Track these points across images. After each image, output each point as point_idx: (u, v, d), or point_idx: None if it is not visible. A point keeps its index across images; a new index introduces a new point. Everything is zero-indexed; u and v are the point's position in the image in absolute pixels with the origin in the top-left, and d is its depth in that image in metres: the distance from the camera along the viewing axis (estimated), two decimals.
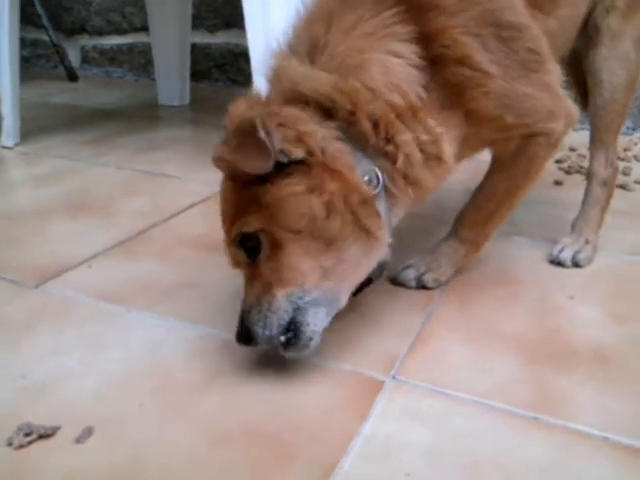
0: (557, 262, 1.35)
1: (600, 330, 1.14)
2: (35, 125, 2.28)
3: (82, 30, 3.24)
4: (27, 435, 0.86)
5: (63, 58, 3.02)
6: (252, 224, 0.95)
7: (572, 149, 2.12)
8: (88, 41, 3.25)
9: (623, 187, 1.79)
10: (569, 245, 1.37)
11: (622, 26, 1.29)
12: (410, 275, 1.26)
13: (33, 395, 0.95)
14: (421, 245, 1.42)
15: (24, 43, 3.13)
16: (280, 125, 0.92)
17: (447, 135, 1.02)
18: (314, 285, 0.95)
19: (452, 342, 1.10)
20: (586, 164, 1.96)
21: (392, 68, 0.97)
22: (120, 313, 1.16)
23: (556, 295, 1.25)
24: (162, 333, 1.11)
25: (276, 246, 0.95)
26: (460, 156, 1.14)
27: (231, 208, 0.99)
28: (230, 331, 1.10)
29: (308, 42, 0.99)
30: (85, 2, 3.18)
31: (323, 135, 0.95)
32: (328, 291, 0.96)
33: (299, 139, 0.92)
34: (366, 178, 0.98)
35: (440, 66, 0.99)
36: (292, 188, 0.93)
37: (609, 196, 1.44)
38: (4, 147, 2.07)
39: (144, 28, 2.98)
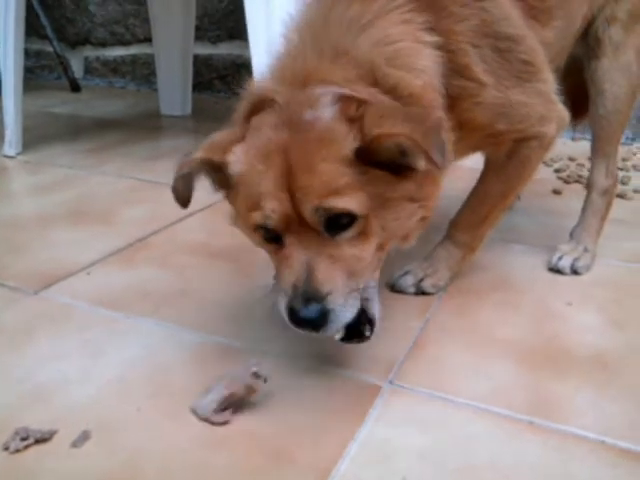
0: (556, 269, 1.36)
1: (598, 336, 1.14)
2: (37, 134, 2.30)
3: (86, 41, 3.28)
4: (24, 439, 0.86)
5: (66, 69, 3.05)
6: (360, 206, 0.86)
7: (571, 159, 2.13)
8: (91, 52, 3.28)
9: (622, 196, 1.79)
10: (568, 253, 1.37)
11: (624, 38, 1.30)
12: (408, 282, 1.26)
13: (31, 399, 0.95)
14: (417, 251, 1.42)
15: (28, 54, 3.16)
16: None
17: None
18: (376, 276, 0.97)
19: (450, 347, 1.10)
20: (585, 173, 1.97)
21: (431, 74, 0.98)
22: (119, 319, 1.17)
23: (554, 302, 1.25)
24: (161, 339, 1.11)
25: (365, 234, 0.89)
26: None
27: (329, 178, 0.85)
28: (228, 337, 1.11)
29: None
30: (89, 14, 3.21)
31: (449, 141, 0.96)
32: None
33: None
34: None
35: (444, 71, 1.00)
36: (409, 193, 0.91)
37: (609, 205, 1.44)
38: (6, 156, 2.08)
39: (147, 40, 3.01)
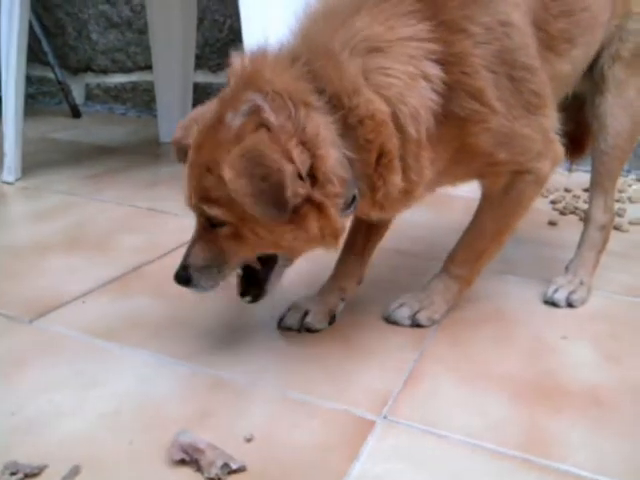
0: (551, 302, 1.36)
1: (593, 371, 1.13)
2: (37, 160, 2.31)
3: (87, 68, 3.31)
4: (13, 474, 0.85)
5: (67, 95, 3.08)
6: (219, 217, 0.99)
7: (567, 190, 2.14)
8: (93, 79, 3.32)
9: (617, 228, 1.80)
10: (564, 286, 1.37)
11: (627, 75, 1.32)
12: (404, 313, 1.26)
13: (22, 433, 0.94)
14: (413, 283, 1.42)
15: (30, 80, 3.19)
16: (299, 144, 0.91)
17: (429, 171, 1.03)
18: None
19: (444, 381, 1.09)
20: (581, 205, 1.99)
21: (419, 92, 0.97)
22: (112, 349, 1.16)
23: (549, 335, 1.25)
24: (154, 370, 1.10)
25: (239, 236, 1.01)
26: (445, 183, 1.17)
27: (208, 187, 0.97)
28: (220, 368, 1.10)
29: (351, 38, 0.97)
30: (91, 42, 3.26)
31: (339, 161, 0.95)
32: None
33: (313, 169, 0.93)
34: (346, 204, 1.00)
35: (453, 95, 1.00)
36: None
37: (605, 240, 1.45)
38: (5, 182, 2.09)
39: (148, 67, 3.04)
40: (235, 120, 0.95)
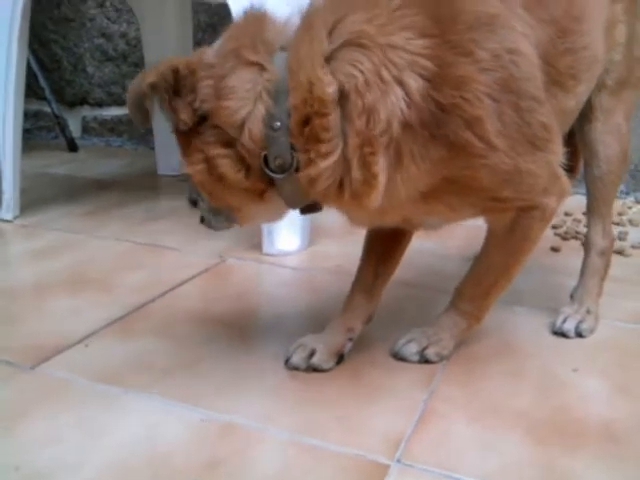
0: (560, 333, 1.35)
1: (607, 406, 1.12)
2: (35, 197, 2.31)
3: (83, 102, 3.33)
4: None
5: (64, 129, 3.08)
6: None
7: (567, 214, 2.14)
8: (89, 112, 3.33)
9: (620, 252, 1.80)
10: (571, 316, 1.37)
11: (613, 103, 1.33)
12: (412, 349, 1.24)
13: None
14: (420, 316, 1.41)
15: (27, 115, 3.18)
16: (210, 87, 0.97)
17: (384, 179, 0.99)
18: None
19: (457, 421, 1.08)
20: (582, 229, 1.98)
21: (385, 95, 0.94)
22: (117, 395, 1.14)
23: (560, 368, 1.24)
24: (161, 416, 1.08)
25: None
26: (447, 219, 1.15)
27: None
28: (230, 412, 1.08)
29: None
30: (87, 75, 3.27)
31: (250, 116, 0.97)
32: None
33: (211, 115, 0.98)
34: (277, 162, 0.98)
35: (448, 119, 0.96)
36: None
37: (607, 266, 1.45)
38: (3, 220, 2.08)
39: None
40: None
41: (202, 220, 1.19)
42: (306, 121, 0.95)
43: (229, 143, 0.99)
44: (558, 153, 1.10)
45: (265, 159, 0.99)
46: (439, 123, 0.97)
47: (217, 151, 1.00)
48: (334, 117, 0.94)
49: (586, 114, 1.35)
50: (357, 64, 0.94)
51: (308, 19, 0.99)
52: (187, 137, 1.01)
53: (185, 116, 0.98)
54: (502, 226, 1.15)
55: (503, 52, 0.99)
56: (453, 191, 1.05)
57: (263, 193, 1.04)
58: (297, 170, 0.99)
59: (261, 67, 0.97)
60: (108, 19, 3.14)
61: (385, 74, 0.94)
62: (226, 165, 1.00)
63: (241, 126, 0.97)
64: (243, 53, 0.98)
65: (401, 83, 0.95)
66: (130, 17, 3.06)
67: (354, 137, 0.95)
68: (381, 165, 0.97)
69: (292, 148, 0.97)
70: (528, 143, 1.03)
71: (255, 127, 0.97)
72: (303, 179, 1.00)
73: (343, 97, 0.94)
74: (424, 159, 0.99)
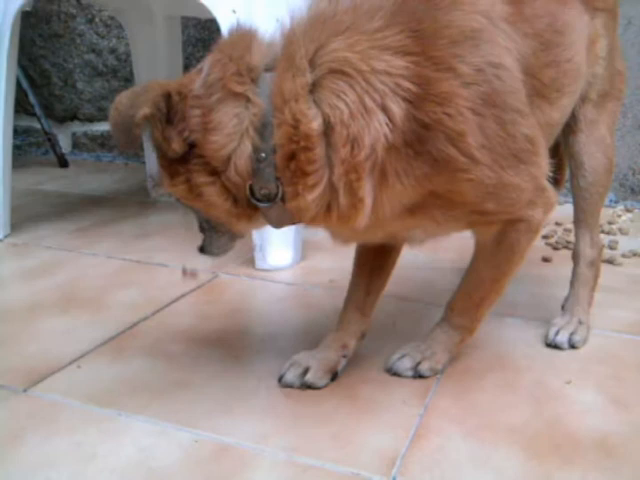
0: (554, 345, 1.35)
1: (601, 418, 1.12)
2: (25, 214, 2.30)
3: (73, 117, 3.32)
4: None
5: (54, 145, 3.07)
6: None
7: (558, 223, 2.15)
8: (79, 128, 3.33)
9: (611, 262, 1.81)
10: (564, 327, 1.37)
11: (596, 115, 1.35)
12: (406, 365, 1.24)
13: None
14: (412, 330, 1.41)
15: (17, 131, 3.18)
16: (198, 117, 0.96)
17: (370, 200, 0.99)
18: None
19: (452, 436, 1.07)
20: (573, 238, 1.99)
21: (369, 123, 0.94)
22: (111, 417, 1.13)
23: (553, 380, 1.24)
24: (154, 438, 1.07)
25: None
26: (432, 233, 1.15)
27: None
28: (223, 433, 1.08)
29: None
30: (77, 91, 3.27)
31: (237, 152, 0.97)
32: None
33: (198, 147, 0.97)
34: (262, 192, 0.99)
35: (431, 135, 0.96)
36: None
37: (597, 275, 1.46)
38: None
39: None
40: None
41: (202, 250, 1.17)
42: (291, 156, 0.96)
43: (214, 172, 0.99)
44: (543, 166, 1.10)
45: (251, 188, 0.99)
46: (422, 140, 0.97)
47: (203, 179, 0.99)
48: (319, 150, 0.95)
49: (571, 126, 1.36)
50: (341, 94, 0.94)
51: (289, 47, 0.97)
52: (171, 161, 1.00)
53: (177, 145, 0.97)
54: (489, 239, 1.16)
55: (486, 66, 1.00)
56: (437, 205, 1.05)
57: (250, 217, 1.04)
58: (283, 199, 1.00)
59: (247, 99, 0.96)
60: (97, 35, 3.15)
61: (368, 102, 0.94)
62: (212, 193, 1.00)
63: (227, 160, 0.97)
64: (229, 84, 0.96)
65: (384, 109, 0.95)
66: (119, 32, 3.07)
67: (339, 165, 0.96)
68: (367, 189, 0.98)
69: (277, 179, 0.98)
70: (512, 156, 1.04)
71: (241, 162, 0.97)
72: (291, 209, 1.01)
73: (328, 128, 0.95)
74: (409, 176, 1.00)
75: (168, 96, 0.96)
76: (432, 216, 1.08)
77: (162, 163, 1.03)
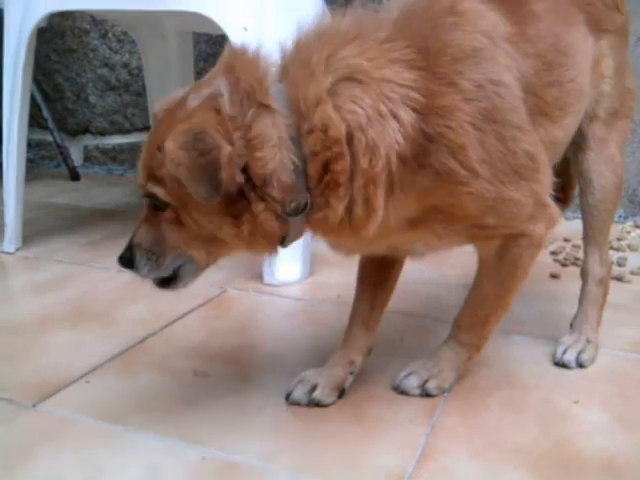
0: (561, 364, 1.35)
1: (609, 438, 1.12)
2: (37, 227, 2.32)
3: (86, 131, 3.36)
4: None
5: (66, 158, 3.11)
6: (161, 196, 1.00)
7: (566, 240, 2.15)
8: (91, 141, 3.36)
9: (619, 279, 1.80)
10: (572, 346, 1.37)
11: (606, 133, 1.35)
12: (413, 383, 1.24)
13: None
14: (419, 347, 1.42)
15: (30, 145, 3.22)
16: (242, 139, 0.93)
17: (381, 213, 1.00)
18: (197, 257, 1.07)
19: (459, 456, 1.07)
20: (581, 255, 1.98)
21: (384, 130, 0.96)
22: (119, 434, 1.14)
23: (561, 399, 1.24)
24: (162, 455, 1.08)
25: (179, 221, 1.02)
26: (433, 247, 1.16)
27: (148, 162, 1.00)
28: (230, 451, 1.08)
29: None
30: (89, 105, 3.31)
31: (282, 164, 0.95)
32: (202, 260, 1.08)
33: (249, 168, 0.94)
34: (292, 205, 0.98)
35: (433, 148, 0.99)
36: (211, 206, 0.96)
37: (605, 293, 1.45)
38: (5, 252, 2.09)
39: (146, 128, 3.09)
40: (194, 101, 0.98)
41: (169, 283, 1.11)
42: (325, 165, 0.96)
43: (262, 197, 0.96)
44: (545, 182, 1.12)
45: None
46: (426, 153, 0.99)
47: (259, 207, 0.96)
48: (348, 158, 0.96)
49: (579, 144, 1.37)
50: (358, 100, 0.96)
51: (301, 54, 0.99)
52: (230, 202, 0.96)
53: (238, 177, 0.94)
54: (491, 254, 1.16)
55: (487, 83, 1.03)
56: (439, 220, 1.07)
57: (283, 237, 1.03)
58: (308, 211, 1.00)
59: (275, 110, 0.96)
60: (110, 49, 3.19)
61: (383, 108, 0.96)
62: (268, 218, 0.97)
63: (271, 176, 0.95)
64: (258, 98, 0.95)
65: (396, 117, 0.97)
66: (132, 47, 3.11)
67: (360, 177, 0.97)
68: (381, 199, 1.00)
69: (308, 190, 0.98)
70: (513, 172, 1.05)
71: (284, 175, 0.95)
72: (315, 219, 1.01)
73: (348, 135, 0.96)
74: (412, 188, 1.02)
75: (216, 128, 0.93)
76: (433, 230, 1.09)
77: (221, 210, 0.97)
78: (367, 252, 1.22)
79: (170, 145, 0.93)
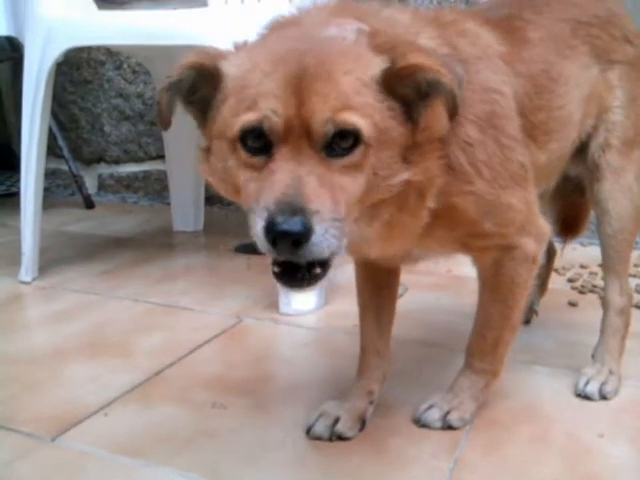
0: (584, 396, 1.33)
1: (635, 475, 1.09)
2: (53, 256, 2.34)
3: (100, 159, 3.40)
4: None
5: (81, 187, 3.14)
6: (369, 130, 0.83)
7: (583, 266, 2.13)
8: (105, 169, 3.40)
9: (638, 306, 1.78)
10: (594, 377, 1.35)
11: (622, 162, 1.34)
12: (434, 416, 1.23)
13: None
14: (437, 376, 1.40)
15: (45, 173, 3.26)
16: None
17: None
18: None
19: None
20: (599, 282, 1.97)
21: None
22: (138, 468, 1.13)
23: (585, 433, 1.21)
24: None
25: (359, 167, 0.85)
26: (433, 253, 1.17)
27: (350, 91, 0.83)
28: None
29: None
30: (104, 134, 3.35)
31: None
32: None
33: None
34: None
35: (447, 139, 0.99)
36: (406, 143, 0.89)
37: (627, 323, 1.43)
38: (22, 282, 2.10)
39: (160, 156, 3.12)
40: (347, 33, 0.88)
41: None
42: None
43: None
44: (533, 193, 1.14)
45: None
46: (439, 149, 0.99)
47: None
48: None
49: (594, 173, 1.36)
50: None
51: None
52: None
53: None
54: (488, 270, 1.17)
55: (487, 89, 1.06)
56: (440, 225, 1.06)
57: None
58: None
59: None
60: (125, 80, 3.24)
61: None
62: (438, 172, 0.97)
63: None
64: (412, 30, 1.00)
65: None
66: (146, 78, 3.16)
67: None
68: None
69: None
70: (509, 178, 1.08)
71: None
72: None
73: None
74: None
75: None
76: (437, 236, 1.09)
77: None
78: (382, 254, 1.14)
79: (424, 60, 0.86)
